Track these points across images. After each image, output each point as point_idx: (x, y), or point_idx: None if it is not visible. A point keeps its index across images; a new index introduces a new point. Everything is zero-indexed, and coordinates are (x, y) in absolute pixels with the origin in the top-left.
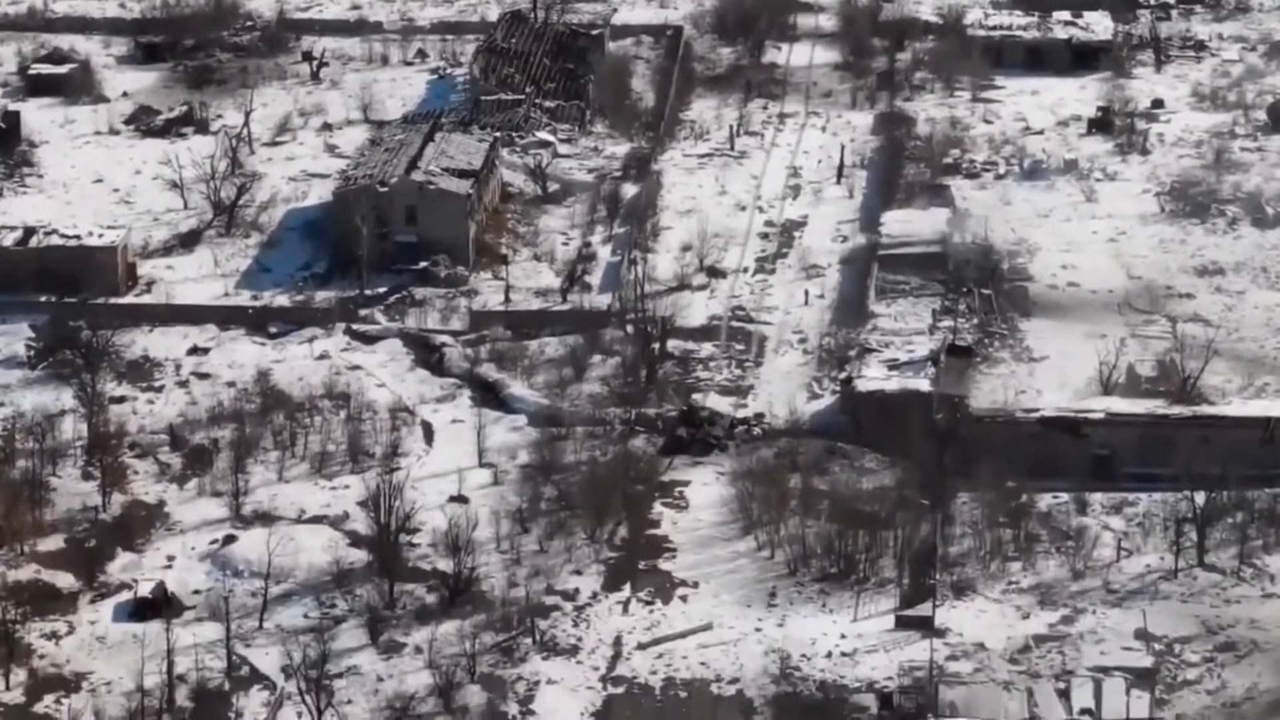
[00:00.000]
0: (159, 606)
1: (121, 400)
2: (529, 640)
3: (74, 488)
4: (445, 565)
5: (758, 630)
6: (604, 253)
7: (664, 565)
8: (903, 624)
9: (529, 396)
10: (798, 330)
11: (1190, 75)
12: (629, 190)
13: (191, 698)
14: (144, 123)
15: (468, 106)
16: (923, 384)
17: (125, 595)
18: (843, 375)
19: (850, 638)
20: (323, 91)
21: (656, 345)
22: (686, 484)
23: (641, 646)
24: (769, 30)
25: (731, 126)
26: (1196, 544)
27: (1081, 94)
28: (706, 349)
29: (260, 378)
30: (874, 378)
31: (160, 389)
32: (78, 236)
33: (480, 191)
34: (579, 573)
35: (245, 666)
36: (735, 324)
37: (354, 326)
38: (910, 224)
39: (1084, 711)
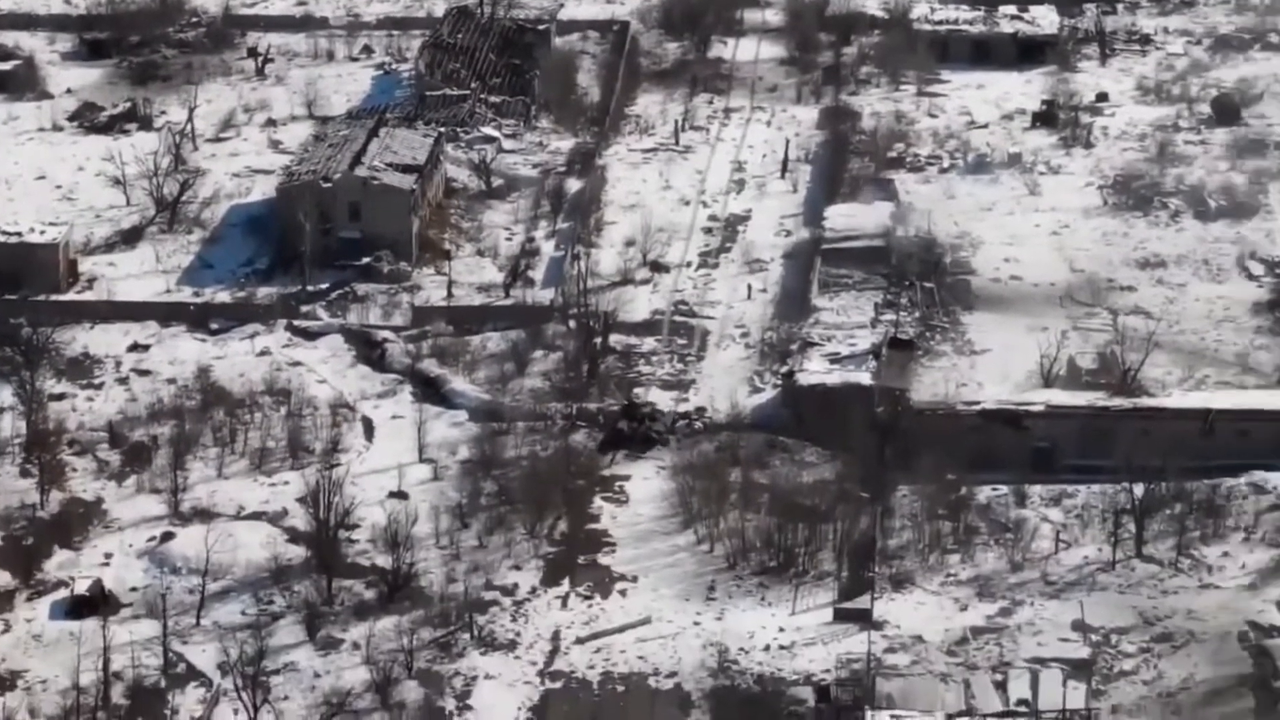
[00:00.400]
0: (96, 604)
1: (61, 397)
2: (467, 635)
3: (12, 485)
4: (384, 561)
5: (696, 624)
6: (547, 248)
7: (603, 560)
8: (841, 617)
9: (470, 392)
10: (740, 324)
11: (1135, 69)
12: (573, 185)
13: (127, 695)
14: (88, 119)
15: (413, 102)
16: (864, 377)
17: (62, 593)
18: (784, 369)
19: (788, 631)
20: (267, 87)
21: (599, 340)
22: (627, 478)
23: (580, 641)
24: (715, 25)
25: (676, 121)
26: (1135, 535)
27: (1026, 88)
28: (649, 344)
29: (201, 374)
30: (815, 371)
31: (100, 386)
32: (19, 233)
33: (424, 187)
34: (518, 568)
35: (182, 664)
36: (678, 318)
37: (295, 323)
38: (854, 218)
39: (1021, 703)
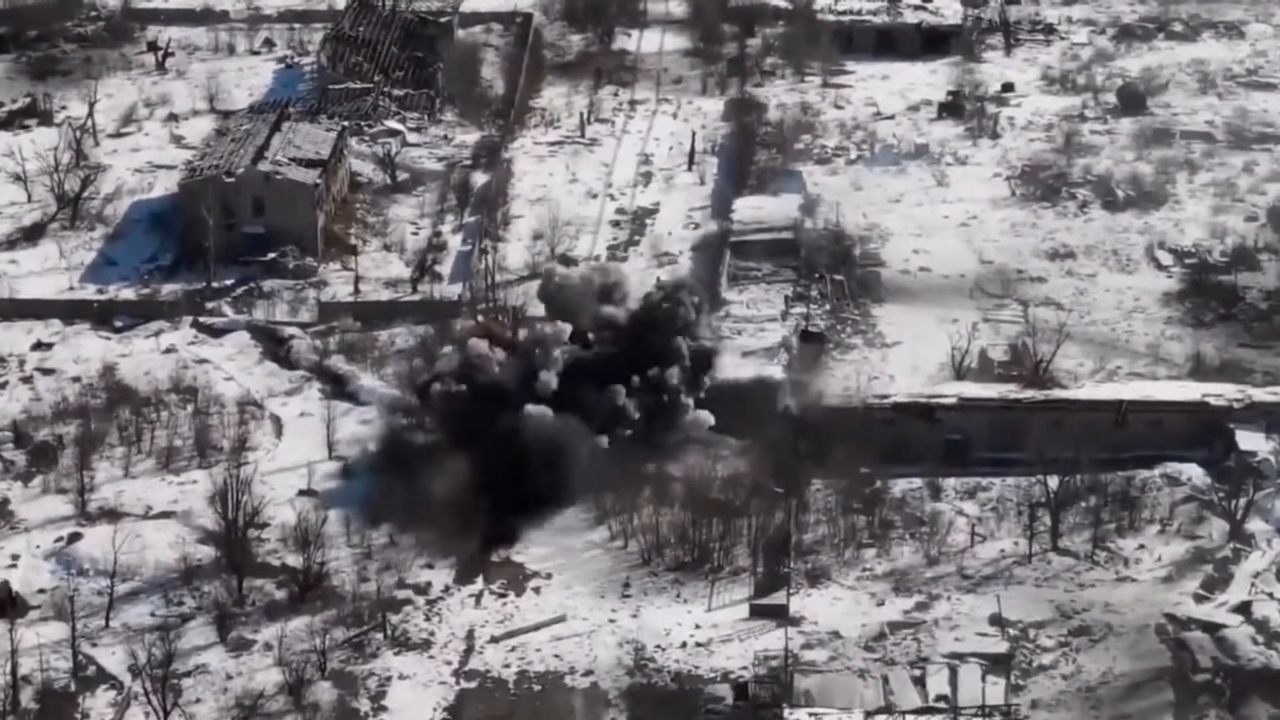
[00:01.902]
0: (3, 606)
1: None
2: (380, 635)
3: None
4: (295, 560)
5: (612, 621)
6: (454, 242)
7: (516, 557)
8: (757, 613)
9: (379, 388)
10: None
11: (1040, 58)
12: (479, 179)
13: (37, 699)
14: None
15: (315, 96)
16: (775, 371)
17: None
18: None
19: (705, 627)
20: (168, 81)
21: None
22: None
23: (494, 640)
24: (619, 16)
25: (582, 114)
26: (1050, 528)
27: (932, 78)
28: None
29: (106, 372)
30: (726, 365)
31: (4, 385)
32: None
33: (328, 181)
34: (430, 566)
35: (91, 666)
36: None
37: (201, 319)
38: (762, 210)
39: (939, 698)
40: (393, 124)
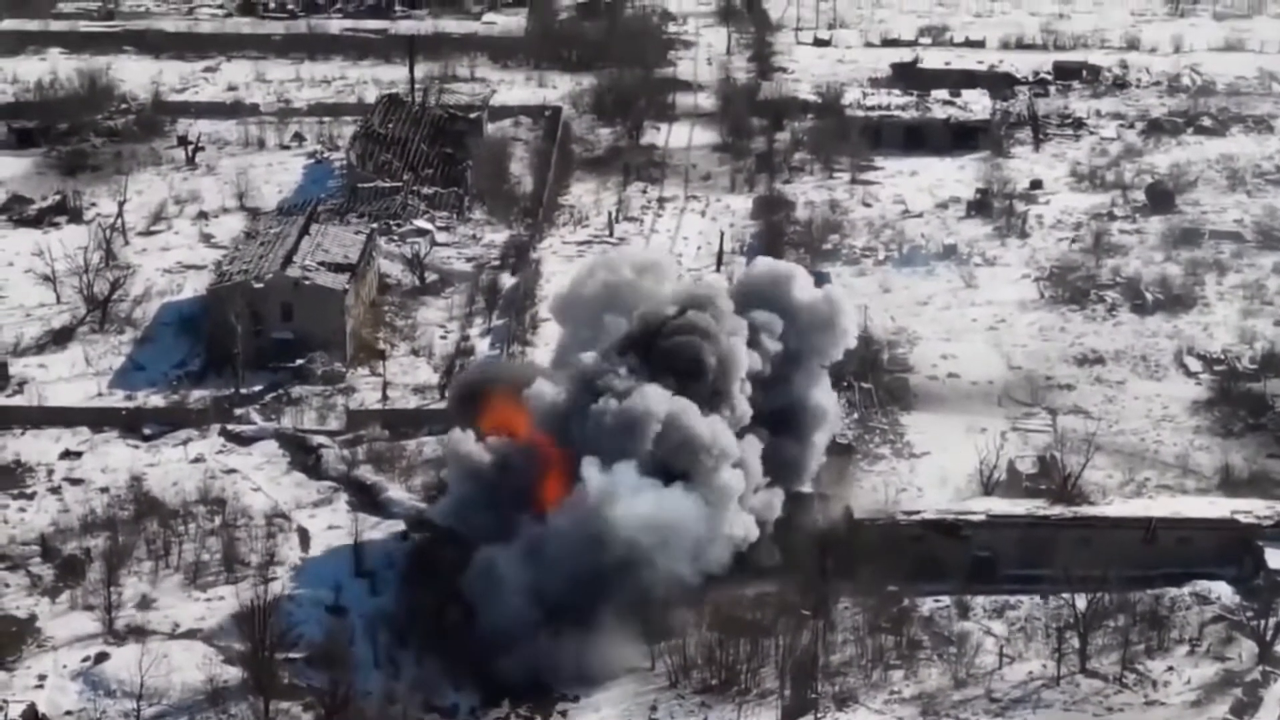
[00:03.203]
0: None
1: None
2: None
3: None
4: (321, 681)
5: None
6: (482, 346)
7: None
8: None
9: (407, 500)
10: None
11: (1068, 154)
12: (507, 280)
13: None
14: (16, 212)
15: (344, 194)
16: (804, 485)
17: None
18: None
19: None
20: (198, 177)
21: None
22: None
23: None
24: (648, 110)
25: (610, 212)
26: (1079, 649)
27: (961, 174)
28: None
29: (134, 483)
30: None
31: (32, 496)
32: None
33: (357, 285)
34: (458, 688)
35: None
36: None
37: (229, 427)
38: None
39: None
40: (421, 223)
